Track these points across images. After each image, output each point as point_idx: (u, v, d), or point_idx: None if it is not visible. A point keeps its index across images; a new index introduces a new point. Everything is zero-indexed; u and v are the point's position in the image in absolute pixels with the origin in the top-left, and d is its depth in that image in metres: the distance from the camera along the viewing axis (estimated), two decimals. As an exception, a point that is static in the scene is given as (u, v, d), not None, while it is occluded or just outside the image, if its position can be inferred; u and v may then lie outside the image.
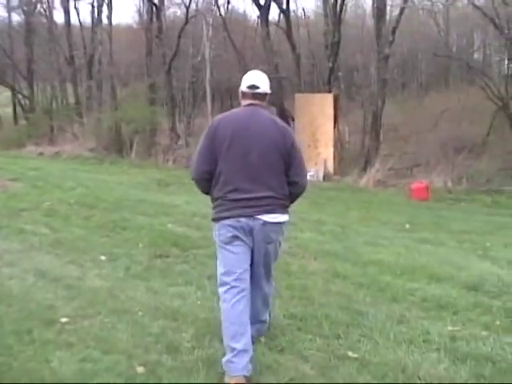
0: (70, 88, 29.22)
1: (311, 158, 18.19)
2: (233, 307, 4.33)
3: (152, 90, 23.60)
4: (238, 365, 4.18)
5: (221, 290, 4.45)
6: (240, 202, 4.26)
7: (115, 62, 24.85)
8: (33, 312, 5.67)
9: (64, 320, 5.50)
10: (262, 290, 4.66)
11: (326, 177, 17.76)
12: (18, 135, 27.09)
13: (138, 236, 8.77)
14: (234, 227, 4.30)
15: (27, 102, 29.57)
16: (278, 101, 20.21)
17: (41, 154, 24.59)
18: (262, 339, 4.93)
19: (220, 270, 4.47)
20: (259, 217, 4.25)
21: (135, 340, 5.08)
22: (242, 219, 4.27)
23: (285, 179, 4.38)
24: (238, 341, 4.24)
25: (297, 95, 19.13)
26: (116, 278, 6.79)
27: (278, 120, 4.57)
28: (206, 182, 4.41)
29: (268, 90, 4.54)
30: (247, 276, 4.43)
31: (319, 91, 20.73)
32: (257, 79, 4.48)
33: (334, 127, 18.77)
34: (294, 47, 19.85)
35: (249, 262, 4.45)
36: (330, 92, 18.90)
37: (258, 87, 4.43)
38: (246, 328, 4.31)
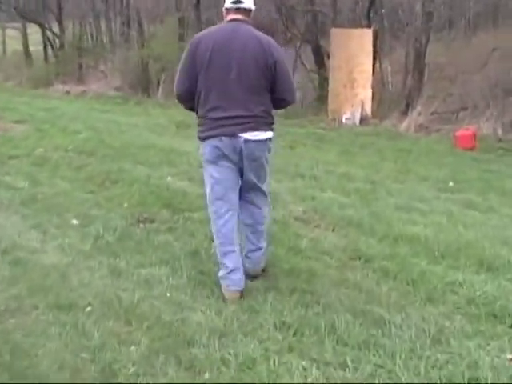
0: (103, 25, 27.56)
1: (347, 100, 16.32)
2: (224, 225, 4.31)
3: (181, 26, 21.75)
4: (232, 281, 4.26)
5: (210, 208, 4.41)
6: (220, 120, 4.12)
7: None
8: (-45, 302, 4.27)
9: (-14, 317, 4.06)
10: (251, 209, 4.51)
11: (363, 120, 15.86)
12: (46, 73, 25.60)
13: (127, 192, 7.25)
14: (217, 147, 4.15)
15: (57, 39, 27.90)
16: (313, 37, 18.27)
17: (67, 92, 23.11)
18: (233, 366, 3.35)
19: (207, 189, 4.40)
20: (240, 135, 4.11)
21: (65, 355, 3.59)
22: (224, 138, 4.12)
23: (268, 96, 4.25)
24: (230, 259, 4.28)
25: (333, 30, 17.06)
26: (78, 252, 5.33)
27: (263, 35, 4.28)
28: (188, 100, 4.29)
29: (252, 7, 4.34)
30: (235, 196, 4.36)
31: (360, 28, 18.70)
32: None
33: (374, 66, 16.78)
34: (331, -24, 17.75)
35: (235, 181, 4.34)
36: (369, 27, 16.83)
37: (241, 2, 4.25)
38: (236, 246, 4.34)
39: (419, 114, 14.74)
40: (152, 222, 6.18)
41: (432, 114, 15.00)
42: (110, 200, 6.95)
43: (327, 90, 16.67)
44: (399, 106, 16.31)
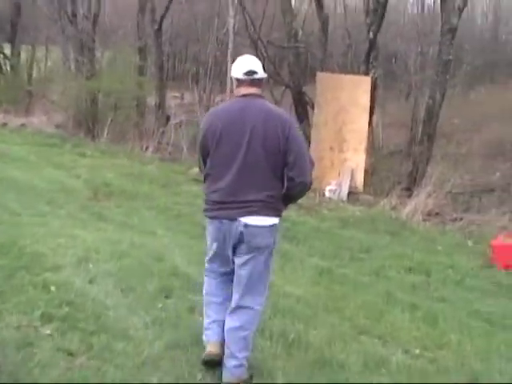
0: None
1: (334, 166, 12.02)
2: (209, 280, 4.07)
3: (142, 57, 17.44)
4: (211, 331, 3.96)
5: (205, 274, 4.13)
6: (221, 204, 3.79)
7: (100, 22, 18.71)
8: None
9: None
10: (241, 308, 3.83)
11: (352, 195, 11.55)
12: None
13: None
14: (218, 228, 3.82)
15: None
16: (295, 81, 13.93)
17: (4, 125, 18.68)
18: None
19: (206, 258, 4.08)
20: (241, 219, 3.73)
21: None
22: (224, 221, 3.77)
23: (278, 178, 3.82)
24: (211, 308, 4.01)
25: (319, 74, 12.75)
26: None
27: (275, 110, 3.95)
28: None
29: (264, 75, 3.98)
30: (226, 278, 3.97)
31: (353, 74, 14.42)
32: (253, 64, 3.93)
33: (369, 125, 12.48)
34: (321, 7, 13.39)
35: (230, 267, 3.92)
36: (367, 74, 12.53)
37: (255, 72, 3.88)
38: (219, 299, 3.99)
39: (429, 195, 10.35)
40: None
41: (448, 193, 10.64)
42: None
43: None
44: (400, 179, 12.01)
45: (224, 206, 3.78)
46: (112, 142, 15.71)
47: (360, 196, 11.62)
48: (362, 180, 11.88)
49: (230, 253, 3.85)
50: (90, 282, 5.32)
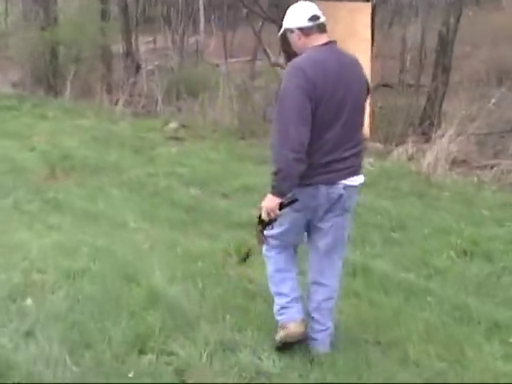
0: None
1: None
2: (278, 255, 3.47)
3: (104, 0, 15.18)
4: (292, 309, 3.40)
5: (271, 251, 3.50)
6: (322, 167, 3.18)
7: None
8: None
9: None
10: (321, 285, 3.46)
11: (359, 145, 9.71)
12: None
13: None
14: (312, 195, 3.22)
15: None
16: (280, 13, 11.86)
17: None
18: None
19: (271, 231, 3.36)
20: (342, 181, 3.23)
21: None
22: (321, 186, 3.21)
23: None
24: (288, 286, 3.44)
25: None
26: None
27: (353, 56, 3.40)
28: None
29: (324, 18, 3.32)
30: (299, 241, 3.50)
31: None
32: (313, 7, 3.27)
33: (371, 58, 10.52)
34: None
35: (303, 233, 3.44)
36: (367, 0, 10.50)
37: (319, 17, 3.26)
38: (294, 273, 3.50)
39: (453, 138, 8.50)
40: None
41: (469, 136, 8.79)
42: None
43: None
44: (408, 119, 10.15)
45: (323, 170, 3.20)
46: (77, 99, 13.61)
47: (368, 144, 9.76)
48: (368, 125, 10.01)
49: (307, 223, 3.36)
50: (26, 335, 3.50)
